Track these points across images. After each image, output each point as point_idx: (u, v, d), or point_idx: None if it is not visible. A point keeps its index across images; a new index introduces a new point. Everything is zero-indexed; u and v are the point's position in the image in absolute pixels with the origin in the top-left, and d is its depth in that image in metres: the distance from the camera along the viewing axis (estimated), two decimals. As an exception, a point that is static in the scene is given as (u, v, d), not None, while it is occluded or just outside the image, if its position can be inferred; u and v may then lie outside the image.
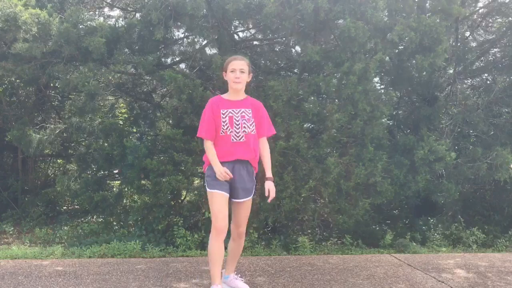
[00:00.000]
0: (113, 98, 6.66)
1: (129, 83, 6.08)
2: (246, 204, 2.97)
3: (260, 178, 3.37)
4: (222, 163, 2.87)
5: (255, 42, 5.91)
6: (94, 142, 5.48)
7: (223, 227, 2.84)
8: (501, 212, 5.99)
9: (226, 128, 2.88)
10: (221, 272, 2.98)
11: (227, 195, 2.89)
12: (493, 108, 5.70)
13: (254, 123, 2.95)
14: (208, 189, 2.90)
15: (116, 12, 6.97)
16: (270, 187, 2.97)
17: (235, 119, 2.90)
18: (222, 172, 2.83)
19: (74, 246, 4.56)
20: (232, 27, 5.58)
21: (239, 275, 3.04)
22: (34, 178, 7.03)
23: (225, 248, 2.98)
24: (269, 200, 3.00)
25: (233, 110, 2.92)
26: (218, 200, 2.86)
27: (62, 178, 5.35)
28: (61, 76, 4.83)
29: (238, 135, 2.89)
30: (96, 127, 5.45)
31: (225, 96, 3.00)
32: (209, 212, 3.09)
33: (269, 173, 3.01)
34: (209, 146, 2.91)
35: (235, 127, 2.89)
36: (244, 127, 2.91)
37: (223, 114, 2.90)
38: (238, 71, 2.91)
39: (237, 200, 2.95)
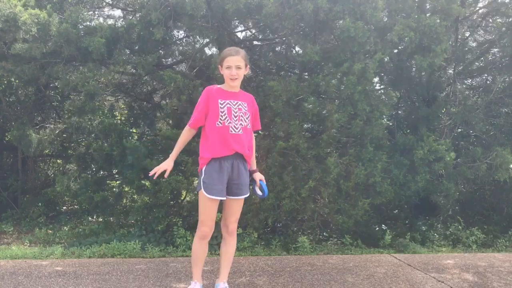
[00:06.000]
0: (113, 99, 6.66)
1: (128, 83, 6.07)
2: (241, 201, 2.93)
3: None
4: (222, 158, 2.79)
5: (255, 42, 5.90)
6: (93, 142, 5.48)
7: (208, 232, 2.86)
8: (500, 212, 5.99)
9: (225, 119, 2.78)
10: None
11: (222, 199, 2.84)
12: (492, 108, 5.69)
13: (249, 117, 2.90)
14: (205, 193, 2.77)
15: (116, 12, 6.97)
16: (261, 177, 3.01)
17: (233, 110, 2.81)
18: (166, 168, 2.84)
19: (74, 246, 4.56)
20: (232, 27, 5.57)
21: (226, 285, 3.04)
22: (34, 178, 7.02)
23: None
24: (258, 194, 3.01)
25: (230, 101, 2.83)
26: (211, 206, 2.81)
27: (62, 178, 5.34)
28: (61, 76, 4.83)
29: (236, 126, 2.80)
30: (96, 127, 5.45)
31: (222, 86, 2.94)
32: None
33: (255, 166, 3.06)
34: (185, 132, 2.91)
35: (234, 118, 2.80)
36: (241, 119, 2.83)
37: (221, 104, 2.80)
38: (234, 68, 2.81)
39: (234, 197, 2.88)
